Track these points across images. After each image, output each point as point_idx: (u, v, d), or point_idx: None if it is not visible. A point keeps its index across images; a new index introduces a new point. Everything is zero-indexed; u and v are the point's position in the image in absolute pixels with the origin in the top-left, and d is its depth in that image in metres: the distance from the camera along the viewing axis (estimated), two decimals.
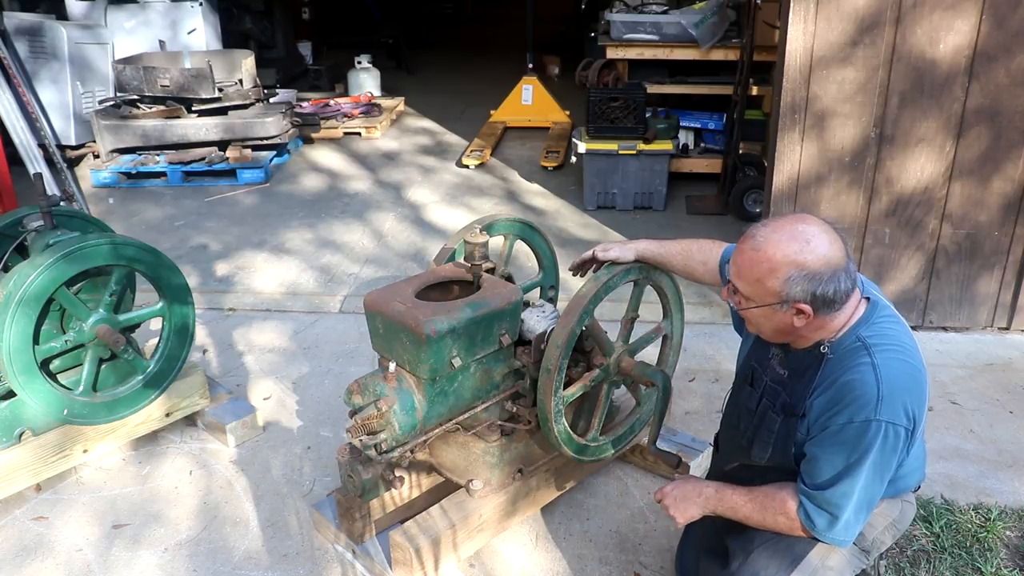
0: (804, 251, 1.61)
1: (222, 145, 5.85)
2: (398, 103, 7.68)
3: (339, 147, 6.60)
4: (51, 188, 5.17)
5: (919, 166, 3.39)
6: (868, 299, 1.75)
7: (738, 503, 1.82)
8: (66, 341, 2.49)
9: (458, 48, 11.81)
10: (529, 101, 7.05)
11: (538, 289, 2.81)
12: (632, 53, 5.36)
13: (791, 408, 1.76)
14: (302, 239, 4.81)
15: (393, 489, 2.22)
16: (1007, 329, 3.63)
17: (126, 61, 5.77)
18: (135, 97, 5.73)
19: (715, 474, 2.11)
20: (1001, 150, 3.33)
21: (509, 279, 2.53)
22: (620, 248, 2.24)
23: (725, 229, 4.82)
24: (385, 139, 6.86)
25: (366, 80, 8.13)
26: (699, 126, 5.72)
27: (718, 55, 5.28)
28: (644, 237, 2.29)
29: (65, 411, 2.48)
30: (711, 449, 2.28)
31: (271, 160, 5.93)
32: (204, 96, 5.60)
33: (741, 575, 1.79)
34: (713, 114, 5.68)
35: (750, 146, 5.35)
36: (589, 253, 2.28)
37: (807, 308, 1.63)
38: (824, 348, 1.70)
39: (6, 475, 2.48)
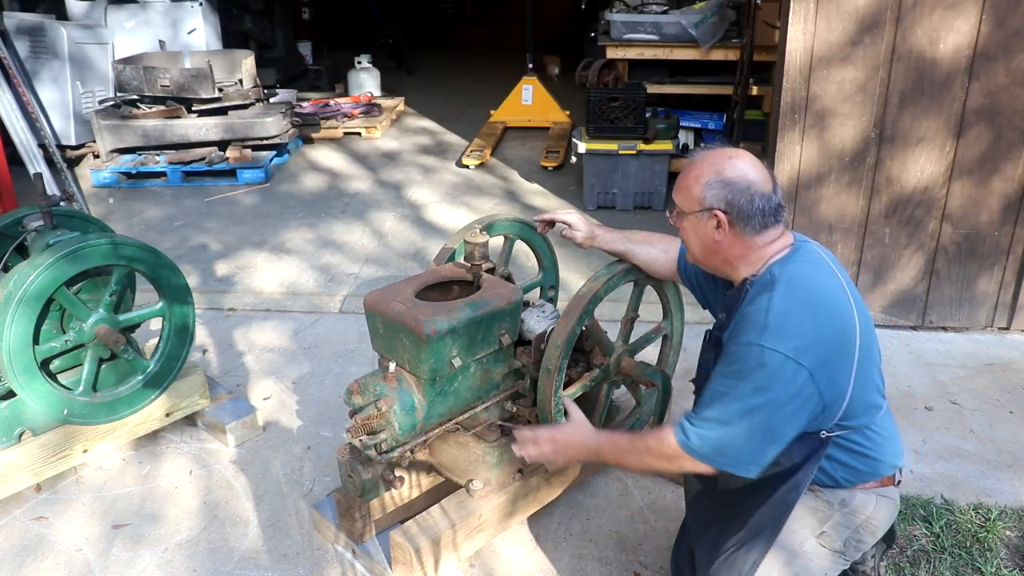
0: (725, 164, 1.76)
1: (222, 145, 5.85)
2: (398, 103, 7.69)
3: (339, 147, 6.60)
4: (51, 188, 5.17)
5: (919, 166, 3.39)
6: (797, 237, 1.83)
7: (618, 440, 1.90)
8: (66, 341, 2.49)
9: (458, 48, 11.81)
10: (529, 101, 7.06)
11: (538, 289, 2.81)
12: (632, 53, 5.36)
13: (718, 341, 1.83)
14: (302, 239, 4.81)
15: (393, 489, 2.22)
16: (1007, 329, 3.63)
17: (126, 61, 5.77)
18: (135, 97, 5.73)
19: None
20: (1001, 150, 3.33)
21: (509, 279, 2.53)
22: (585, 226, 2.30)
23: None
24: (385, 139, 6.86)
25: (366, 80, 8.13)
26: (699, 126, 5.73)
27: (718, 55, 5.28)
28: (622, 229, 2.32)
29: (65, 411, 2.48)
30: None
31: (271, 160, 5.93)
32: (204, 96, 5.60)
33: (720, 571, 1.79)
34: (713, 114, 5.69)
35: (750, 146, 5.33)
36: (559, 223, 2.34)
37: (722, 216, 1.74)
38: (747, 283, 1.78)
39: (6, 475, 2.48)
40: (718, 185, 1.74)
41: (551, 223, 2.39)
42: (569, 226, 2.30)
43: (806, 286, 1.71)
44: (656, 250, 2.21)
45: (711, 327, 1.98)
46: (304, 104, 7.26)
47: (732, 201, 1.73)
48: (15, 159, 5.12)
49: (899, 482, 1.90)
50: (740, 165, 1.75)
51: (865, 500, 1.84)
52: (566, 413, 2.07)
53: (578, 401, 2.31)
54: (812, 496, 1.84)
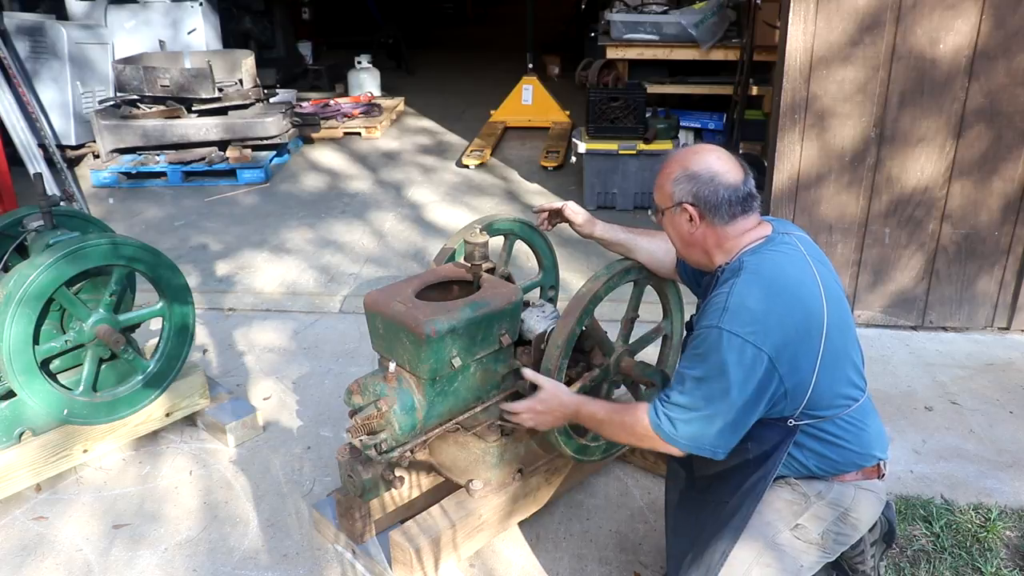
0: (691, 159, 1.82)
1: (222, 145, 5.86)
2: (398, 103, 7.69)
3: (339, 147, 6.60)
4: (51, 188, 5.17)
5: (919, 166, 3.39)
6: (776, 226, 1.87)
7: (596, 410, 1.94)
8: (66, 341, 2.49)
9: (458, 48, 11.82)
10: (529, 101, 7.06)
11: (538, 289, 2.81)
12: (632, 53, 5.37)
13: (690, 325, 1.90)
14: (302, 239, 4.81)
15: (393, 489, 2.22)
16: (1007, 329, 3.63)
17: (126, 61, 5.78)
18: (135, 97, 5.73)
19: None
20: (1001, 150, 3.33)
21: (509, 279, 2.53)
22: (584, 212, 2.33)
23: None
24: (385, 139, 6.86)
25: (366, 80, 8.14)
26: (699, 126, 5.73)
27: (718, 55, 5.28)
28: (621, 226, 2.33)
29: (65, 411, 2.48)
30: None
31: (271, 160, 5.93)
32: (204, 96, 5.61)
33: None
34: (713, 114, 5.69)
35: (750, 146, 5.35)
36: (559, 204, 2.35)
37: (691, 209, 1.80)
38: (719, 271, 1.83)
39: (6, 475, 2.48)
40: (684, 180, 1.80)
41: (551, 215, 2.39)
42: (566, 209, 2.32)
43: (770, 273, 1.74)
44: (657, 241, 2.22)
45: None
46: (304, 104, 7.26)
47: (698, 194, 1.79)
48: (15, 159, 5.12)
49: (883, 475, 1.89)
50: (705, 158, 1.81)
51: (843, 492, 1.83)
52: (534, 387, 2.09)
53: None
54: (788, 489, 1.84)
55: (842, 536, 1.84)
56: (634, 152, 4.99)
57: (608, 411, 1.91)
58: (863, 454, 1.83)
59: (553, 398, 2.02)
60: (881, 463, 1.87)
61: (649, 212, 1.94)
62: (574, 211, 2.32)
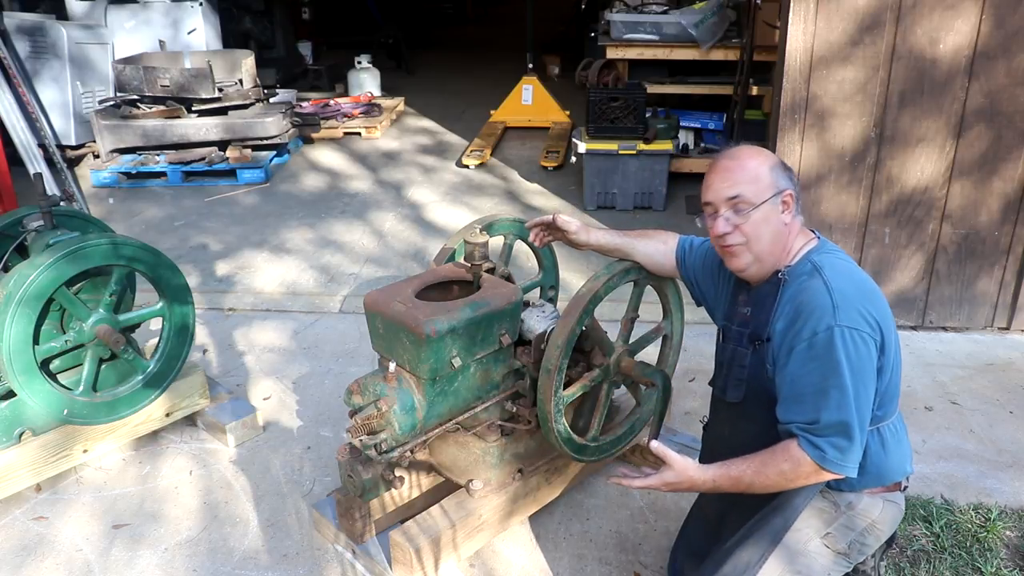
0: (767, 152, 1.84)
1: (222, 145, 5.86)
2: (398, 103, 7.69)
3: (339, 147, 6.60)
4: (51, 188, 5.17)
5: (919, 166, 3.40)
6: (815, 233, 1.88)
7: (740, 475, 1.74)
8: (66, 341, 2.49)
9: (458, 48, 11.82)
10: (529, 101, 7.06)
11: (538, 289, 2.81)
12: (632, 53, 5.36)
13: (757, 336, 1.82)
14: (302, 239, 4.81)
15: (393, 489, 2.22)
16: (1007, 329, 3.63)
17: (126, 61, 5.78)
18: (135, 97, 5.73)
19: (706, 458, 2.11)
20: (1001, 150, 3.34)
21: (509, 279, 2.53)
22: (577, 220, 2.23)
23: None
24: (385, 139, 6.86)
25: (366, 80, 8.14)
26: (699, 126, 5.72)
27: (718, 55, 5.28)
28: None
29: (65, 411, 2.48)
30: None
31: (271, 160, 5.93)
32: (204, 96, 5.61)
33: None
34: (713, 114, 5.69)
35: None
36: (549, 217, 2.24)
37: (792, 195, 1.79)
38: (781, 274, 1.80)
39: (6, 475, 2.48)
40: (781, 168, 1.81)
41: (544, 229, 2.29)
42: (557, 219, 2.23)
43: (850, 273, 1.75)
44: (655, 242, 2.19)
45: (730, 325, 1.94)
46: (304, 104, 7.26)
47: (793, 182, 1.81)
48: (15, 159, 5.12)
49: (905, 488, 1.91)
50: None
51: (871, 504, 1.84)
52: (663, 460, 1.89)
53: (578, 401, 2.31)
54: (819, 497, 1.84)
55: (865, 547, 1.85)
56: (634, 152, 4.99)
57: (754, 469, 1.71)
58: (894, 468, 1.84)
59: (683, 480, 1.79)
60: (906, 477, 1.89)
61: (718, 220, 1.79)
62: (566, 220, 2.21)
